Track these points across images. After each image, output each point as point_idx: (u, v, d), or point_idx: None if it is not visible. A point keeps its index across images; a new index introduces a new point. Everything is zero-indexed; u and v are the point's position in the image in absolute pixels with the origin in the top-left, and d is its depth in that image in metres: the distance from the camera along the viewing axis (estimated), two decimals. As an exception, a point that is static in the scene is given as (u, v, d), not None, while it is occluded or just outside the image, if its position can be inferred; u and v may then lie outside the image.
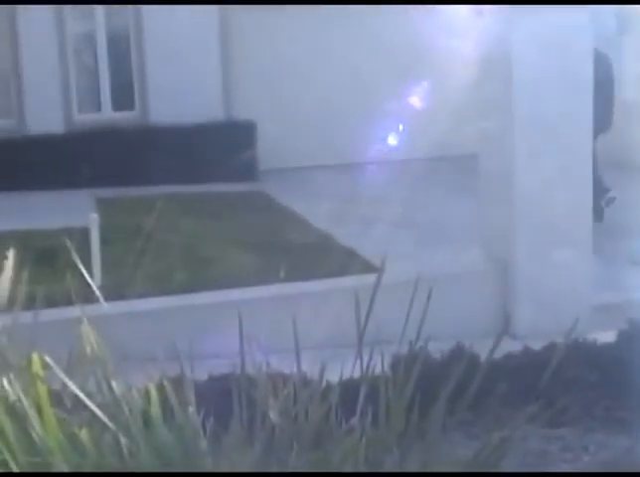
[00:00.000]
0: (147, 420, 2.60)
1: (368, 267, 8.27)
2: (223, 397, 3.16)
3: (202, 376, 3.81)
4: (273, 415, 2.75)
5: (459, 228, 10.16)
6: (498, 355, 2.87)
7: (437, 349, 4.92)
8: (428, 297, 2.87)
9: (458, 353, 5.23)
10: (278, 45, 15.60)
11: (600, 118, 9.19)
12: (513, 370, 5.17)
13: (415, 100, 14.87)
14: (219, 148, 14.45)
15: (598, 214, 10.17)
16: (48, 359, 2.57)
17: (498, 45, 7.89)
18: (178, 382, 2.84)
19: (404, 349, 2.99)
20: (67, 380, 2.64)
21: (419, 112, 14.99)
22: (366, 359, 2.87)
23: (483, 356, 3.08)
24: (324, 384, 2.88)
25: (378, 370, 2.93)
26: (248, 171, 14.80)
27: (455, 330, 6.28)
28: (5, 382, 2.57)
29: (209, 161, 14.20)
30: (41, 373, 2.39)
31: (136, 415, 2.60)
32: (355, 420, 2.83)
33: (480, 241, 8.56)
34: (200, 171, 14.08)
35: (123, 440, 2.59)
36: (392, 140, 14.72)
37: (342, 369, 3.05)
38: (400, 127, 14.50)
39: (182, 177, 13.80)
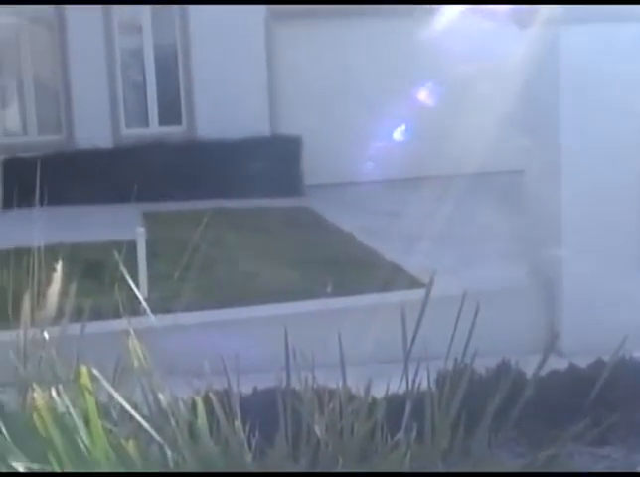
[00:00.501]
0: (193, 433, 2.60)
1: (413, 283, 8.25)
2: (268, 411, 3.16)
3: (247, 389, 3.82)
4: (319, 430, 2.74)
5: (505, 243, 10.10)
6: (543, 372, 2.84)
7: (483, 365, 4.90)
8: (475, 313, 2.85)
9: (504, 369, 5.21)
10: (324, 59, 15.63)
11: None
12: (559, 387, 5.14)
13: (461, 115, 14.82)
14: (265, 163, 14.47)
15: None
16: (95, 371, 2.59)
17: (543, 59, 7.87)
18: (224, 395, 2.85)
19: (450, 365, 2.98)
20: (114, 392, 2.65)
21: (466, 127, 14.97)
22: (411, 374, 2.86)
23: (529, 372, 3.06)
24: (370, 399, 2.87)
25: (423, 385, 2.92)
26: (294, 186, 14.83)
27: (501, 346, 6.25)
28: (54, 393, 2.59)
29: (255, 176, 14.23)
30: (89, 385, 2.40)
31: (182, 428, 2.61)
32: (400, 436, 2.82)
33: (526, 257, 8.51)
34: (246, 186, 14.11)
35: (169, 452, 2.60)
36: (436, 155, 14.69)
37: (388, 384, 3.04)
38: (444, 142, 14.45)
39: (228, 191, 13.84)
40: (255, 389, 4.38)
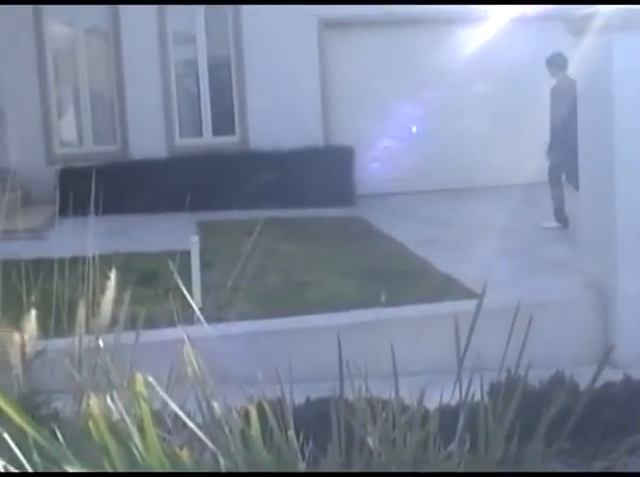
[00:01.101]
0: (246, 441, 2.61)
1: (466, 293, 8.23)
2: (320, 421, 3.17)
3: (300, 399, 3.83)
4: (371, 440, 2.74)
5: (560, 254, 10.04)
6: (598, 384, 2.82)
7: (537, 377, 4.86)
8: (529, 324, 2.83)
9: (558, 381, 5.17)
10: (376, 68, 15.64)
11: None
12: (613, 399, 5.08)
13: (513, 124, 14.76)
14: (317, 173, 14.51)
15: None
16: (150, 378, 2.61)
17: (597, 67, 7.82)
18: (277, 404, 2.86)
19: (503, 376, 2.96)
20: (168, 399, 2.67)
21: (518, 137, 14.92)
22: (464, 385, 2.84)
23: (583, 384, 3.03)
24: (422, 409, 2.87)
25: (476, 397, 2.90)
26: (346, 196, 14.84)
27: (555, 358, 6.20)
28: (108, 400, 2.61)
29: (307, 186, 14.27)
30: (144, 392, 2.42)
31: (235, 436, 2.62)
32: (453, 447, 2.80)
33: (581, 269, 8.45)
34: (298, 195, 14.15)
35: (222, 460, 2.61)
36: (489, 165, 14.64)
37: (441, 395, 3.03)
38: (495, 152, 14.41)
39: (281, 201, 13.88)
40: (308, 398, 4.39)
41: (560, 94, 11.70)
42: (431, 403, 3.03)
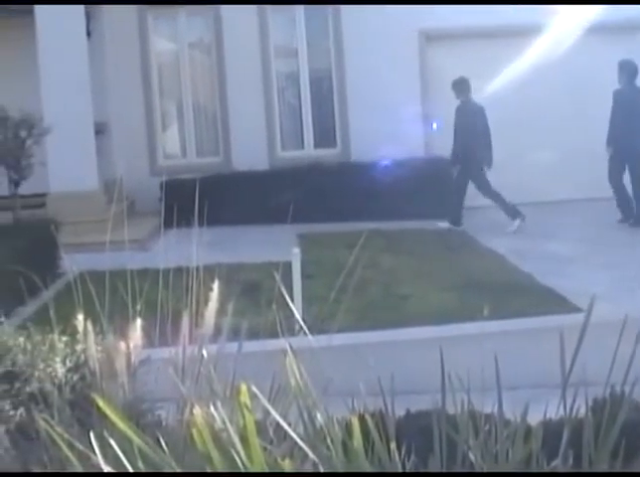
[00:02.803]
0: (347, 452, 2.61)
1: (569, 307, 8.12)
2: (421, 434, 3.15)
3: (400, 411, 3.81)
4: (473, 455, 2.71)
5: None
6: None
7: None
8: (637, 340, 2.77)
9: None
10: (475, 80, 15.53)
11: None
12: None
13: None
14: (419, 185, 14.44)
15: None
16: (253, 389, 2.62)
17: None
18: (378, 416, 2.85)
19: (608, 392, 2.91)
20: (271, 409, 2.68)
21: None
22: (569, 400, 2.80)
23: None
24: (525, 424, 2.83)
25: (581, 412, 2.85)
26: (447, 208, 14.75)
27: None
28: (212, 409, 2.64)
29: (408, 197, 14.21)
30: (248, 402, 2.44)
31: (337, 447, 2.62)
32: (557, 463, 2.76)
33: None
34: (399, 207, 14.10)
35: (323, 471, 2.61)
36: (592, 177, 14.43)
37: (545, 410, 2.99)
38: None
39: (382, 213, 13.87)
40: (408, 411, 4.37)
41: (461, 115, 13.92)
42: (534, 418, 2.99)
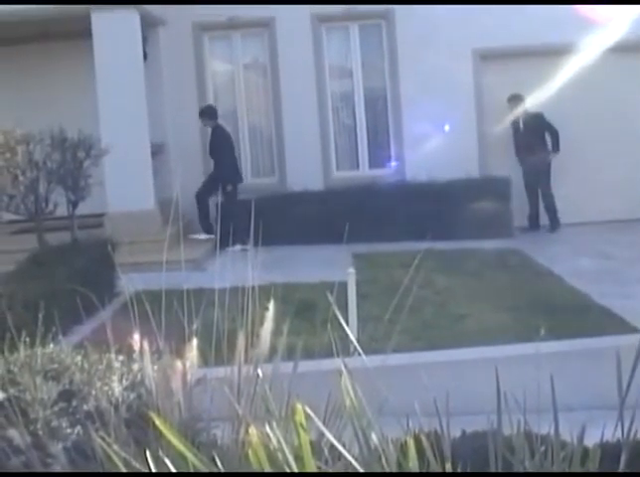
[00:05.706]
0: (402, 473, 2.60)
1: (626, 327, 8.04)
2: (476, 455, 3.13)
3: (455, 432, 3.79)
4: None
5: None
6: None
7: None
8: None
9: None
10: (529, 98, 15.46)
11: None
12: None
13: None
14: (474, 204, 14.38)
15: None
16: (307, 409, 2.63)
17: None
18: (433, 437, 2.84)
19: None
20: (325, 430, 2.68)
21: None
22: (626, 422, 2.77)
23: None
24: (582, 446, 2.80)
25: (639, 435, 2.82)
26: (504, 227, 14.67)
27: None
28: (267, 429, 2.64)
29: (464, 217, 14.15)
30: (304, 422, 2.44)
31: (392, 467, 2.61)
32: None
33: None
34: (455, 227, 14.05)
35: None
36: None
37: (602, 432, 2.96)
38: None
39: (437, 233, 13.81)
40: (464, 431, 4.34)
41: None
42: (591, 440, 2.96)
